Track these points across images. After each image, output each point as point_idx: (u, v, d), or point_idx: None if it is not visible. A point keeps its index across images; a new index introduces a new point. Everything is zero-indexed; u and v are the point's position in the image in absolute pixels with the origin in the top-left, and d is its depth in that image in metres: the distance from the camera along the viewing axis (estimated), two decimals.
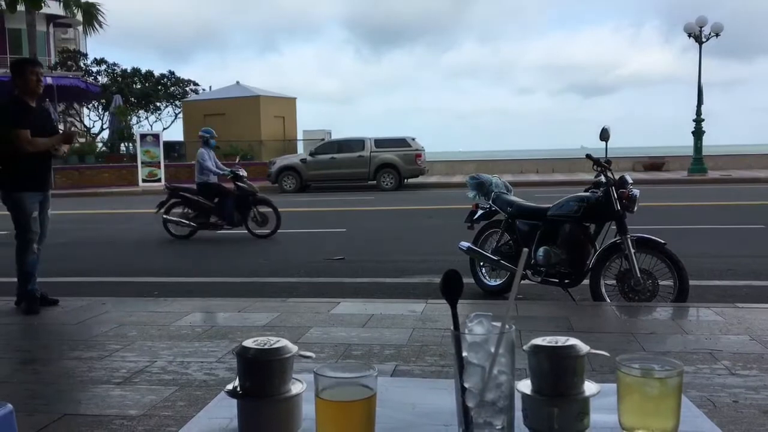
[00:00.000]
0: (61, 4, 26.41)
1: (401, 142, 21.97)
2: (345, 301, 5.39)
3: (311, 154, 21.95)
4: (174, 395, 3.29)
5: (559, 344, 0.95)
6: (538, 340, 0.97)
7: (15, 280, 5.41)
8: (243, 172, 10.71)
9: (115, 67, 36.02)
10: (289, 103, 32.58)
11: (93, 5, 26.84)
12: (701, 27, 22.10)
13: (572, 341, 0.96)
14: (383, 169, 21.52)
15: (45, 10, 25.06)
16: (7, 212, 5.28)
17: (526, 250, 0.96)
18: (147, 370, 3.69)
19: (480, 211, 6.22)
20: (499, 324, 0.91)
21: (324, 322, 4.73)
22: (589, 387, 0.96)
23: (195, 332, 4.49)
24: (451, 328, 0.94)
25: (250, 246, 9.81)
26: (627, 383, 0.96)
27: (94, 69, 35.67)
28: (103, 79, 35.02)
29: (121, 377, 3.58)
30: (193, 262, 8.47)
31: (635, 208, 5.34)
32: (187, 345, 4.19)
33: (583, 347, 0.95)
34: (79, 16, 27.46)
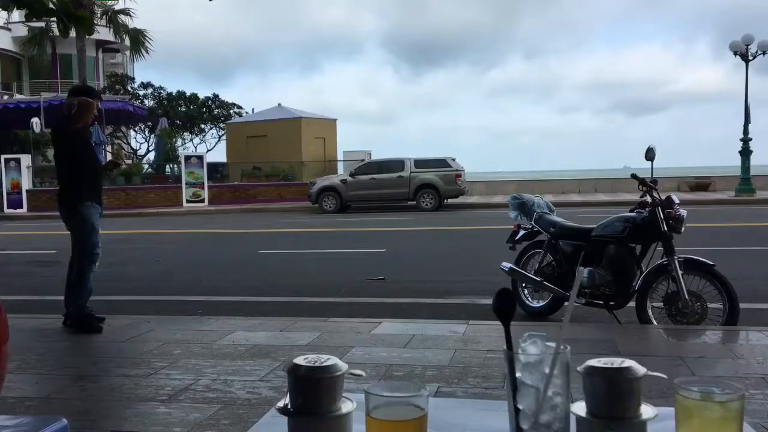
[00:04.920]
0: (111, 30, 27.23)
1: (441, 163, 21.98)
2: (386, 322, 5.38)
3: (351, 175, 22.10)
4: (218, 413, 3.31)
5: (615, 366, 0.93)
6: (593, 361, 0.95)
7: (61, 298, 5.52)
8: None
9: (161, 91, 36.88)
10: (330, 124, 32.89)
11: (141, 31, 27.61)
12: (747, 45, 21.71)
13: (628, 363, 0.94)
14: (423, 189, 21.54)
15: (95, 36, 25.87)
16: (62, 231, 5.42)
17: (581, 268, 0.94)
18: (191, 388, 3.73)
19: (522, 232, 6.16)
20: (552, 344, 0.90)
21: (365, 342, 4.72)
22: (646, 410, 0.94)
23: (238, 351, 4.52)
24: (504, 348, 0.93)
25: (290, 265, 9.88)
26: (686, 407, 0.93)
27: (141, 92, 36.58)
28: (149, 103, 35.86)
29: (166, 395, 3.62)
30: (234, 281, 8.56)
31: (682, 229, 5.23)
32: (230, 363, 4.22)
33: (640, 369, 0.93)
34: (128, 41, 28.25)
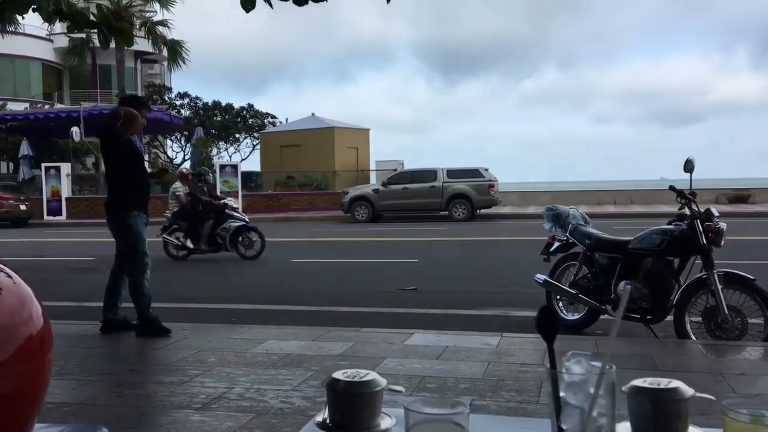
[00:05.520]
0: (150, 41, 27.75)
1: (474, 173, 21.89)
2: (418, 333, 5.35)
3: (384, 185, 22.14)
4: (251, 422, 3.32)
5: (662, 386, 0.91)
6: (639, 381, 0.93)
7: (99, 304, 5.61)
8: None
9: (197, 101, 37.45)
10: (363, 134, 33.03)
11: (178, 42, 28.07)
12: None
13: (675, 383, 0.91)
14: (455, 199, 21.47)
15: (134, 47, 26.38)
16: (100, 239, 5.51)
17: (628, 287, 0.93)
18: (225, 396, 3.75)
19: (557, 243, 6.10)
20: (598, 364, 0.88)
21: (398, 353, 4.70)
22: None
23: (271, 360, 4.54)
24: (546, 365, 0.91)
25: (322, 274, 9.91)
26: (736, 430, 0.90)
27: (178, 102, 37.19)
28: (185, 112, 36.46)
29: (201, 403, 3.64)
30: (267, 289, 8.60)
31: (722, 243, 5.13)
32: (263, 372, 4.24)
33: (688, 390, 0.91)
34: (165, 52, 28.75)
